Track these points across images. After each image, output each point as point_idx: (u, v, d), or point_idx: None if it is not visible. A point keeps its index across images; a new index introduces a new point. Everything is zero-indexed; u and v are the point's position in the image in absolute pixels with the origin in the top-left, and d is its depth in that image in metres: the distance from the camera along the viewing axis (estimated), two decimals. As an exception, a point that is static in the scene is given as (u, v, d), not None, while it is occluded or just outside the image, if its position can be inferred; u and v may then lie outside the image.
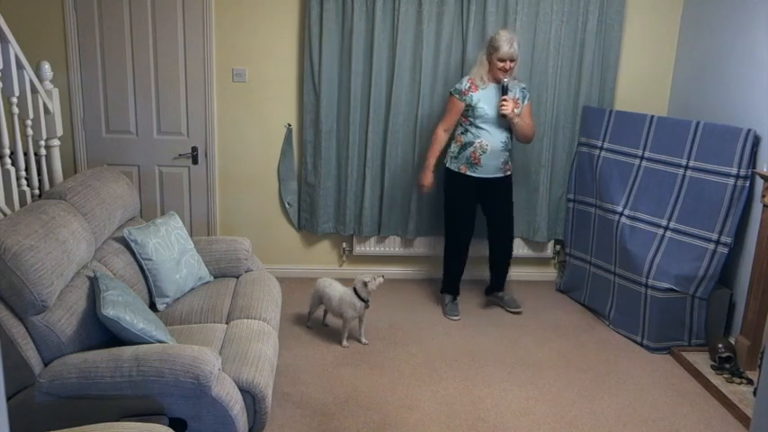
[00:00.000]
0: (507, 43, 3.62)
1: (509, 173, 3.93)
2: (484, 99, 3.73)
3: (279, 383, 3.13)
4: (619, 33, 4.25)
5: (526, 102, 3.85)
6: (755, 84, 3.56)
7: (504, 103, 3.67)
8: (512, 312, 4.04)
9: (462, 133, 3.83)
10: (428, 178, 3.90)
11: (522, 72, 4.20)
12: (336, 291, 3.57)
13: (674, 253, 3.64)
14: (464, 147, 3.80)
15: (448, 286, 4.11)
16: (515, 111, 3.73)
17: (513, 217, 4.04)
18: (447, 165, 3.90)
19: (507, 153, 3.85)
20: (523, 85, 3.90)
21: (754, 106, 3.56)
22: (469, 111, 3.77)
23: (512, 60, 3.66)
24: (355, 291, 3.49)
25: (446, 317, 3.98)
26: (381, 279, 3.53)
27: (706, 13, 4.06)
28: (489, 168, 3.80)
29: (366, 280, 3.47)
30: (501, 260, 4.08)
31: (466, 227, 3.97)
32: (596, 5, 4.16)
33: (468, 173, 3.82)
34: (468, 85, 3.76)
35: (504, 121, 3.75)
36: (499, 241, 4.03)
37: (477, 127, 3.76)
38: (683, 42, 4.30)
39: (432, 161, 3.88)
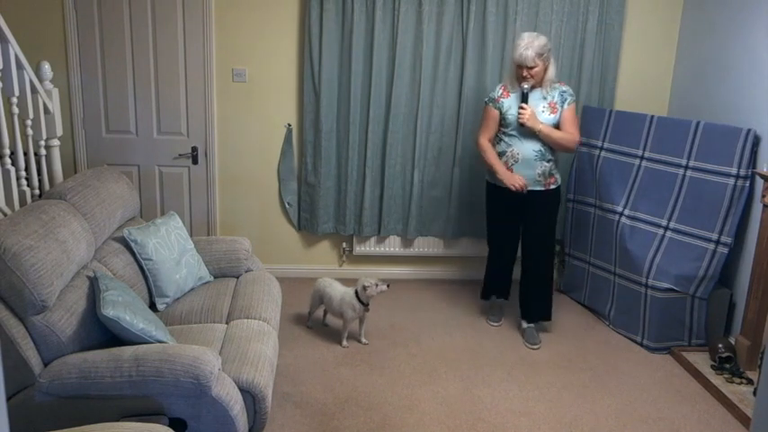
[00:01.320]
0: (522, 47, 3.37)
1: (552, 187, 3.58)
2: (514, 106, 3.51)
3: (279, 383, 3.13)
4: (619, 33, 4.25)
5: (566, 105, 3.51)
6: (755, 84, 3.56)
7: (522, 111, 3.42)
8: (527, 347, 3.67)
9: (497, 142, 3.61)
10: (514, 178, 3.48)
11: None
12: (337, 291, 3.57)
13: (674, 253, 3.64)
14: (498, 156, 3.58)
15: (486, 292, 3.98)
16: (552, 116, 3.49)
17: (552, 238, 3.70)
18: (486, 177, 3.73)
19: (546, 164, 3.52)
20: (564, 89, 3.55)
21: (754, 106, 3.56)
22: (501, 118, 3.56)
23: (529, 67, 3.39)
24: (356, 293, 3.49)
25: (487, 322, 3.91)
26: (385, 287, 3.48)
27: (706, 14, 4.06)
28: (525, 180, 3.49)
29: (366, 284, 3.47)
30: (531, 284, 3.76)
31: (505, 242, 3.76)
32: (596, 5, 4.16)
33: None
34: (500, 91, 3.58)
35: None
36: (530, 263, 3.74)
37: (509, 135, 3.53)
38: (683, 42, 4.30)
39: (498, 166, 3.53)
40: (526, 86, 3.44)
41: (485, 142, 3.62)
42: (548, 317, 3.80)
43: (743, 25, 3.69)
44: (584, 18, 4.19)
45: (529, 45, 3.36)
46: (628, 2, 4.24)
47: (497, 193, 3.63)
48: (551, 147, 3.53)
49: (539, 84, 3.50)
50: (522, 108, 3.43)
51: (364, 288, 3.46)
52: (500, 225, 3.75)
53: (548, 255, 3.71)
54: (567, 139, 3.50)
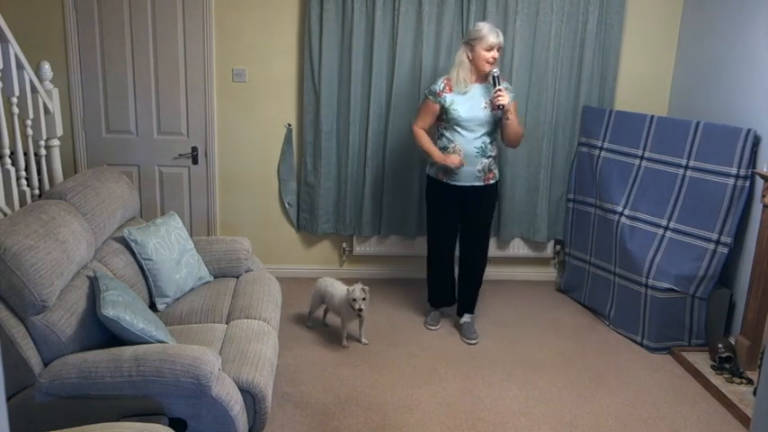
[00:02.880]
0: (492, 32, 3.36)
1: (492, 181, 3.59)
2: (458, 101, 3.46)
3: (279, 383, 3.13)
4: (619, 33, 4.25)
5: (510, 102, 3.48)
6: (755, 84, 3.56)
7: (500, 92, 3.34)
8: (466, 342, 3.70)
9: (438, 138, 3.59)
10: (450, 157, 3.47)
11: (522, 71, 4.20)
12: (338, 289, 3.58)
13: (674, 253, 3.64)
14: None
15: (435, 301, 3.93)
16: (494, 112, 3.46)
17: (488, 232, 3.73)
18: (426, 171, 3.70)
19: (487, 160, 3.52)
20: (506, 84, 3.51)
21: (754, 106, 3.56)
22: (443, 113, 3.50)
23: (498, 49, 3.41)
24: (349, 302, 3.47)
25: (425, 326, 3.85)
26: (361, 296, 3.41)
27: (706, 14, 4.06)
28: (465, 176, 3.51)
29: (351, 293, 3.43)
30: (467, 278, 3.80)
31: (445, 239, 3.72)
32: (596, 5, 4.16)
33: (445, 180, 3.55)
34: (443, 85, 3.51)
35: (481, 125, 3.47)
36: (468, 257, 3.74)
37: (451, 130, 3.50)
38: (683, 42, 4.30)
39: (432, 150, 3.53)
40: (496, 71, 3.40)
41: (418, 129, 3.60)
42: (473, 310, 3.87)
43: (743, 25, 3.69)
44: (584, 18, 4.19)
45: (495, 29, 3.40)
46: (628, 2, 4.24)
47: (438, 187, 3.61)
48: (509, 137, 3.54)
49: (486, 77, 3.47)
50: (499, 91, 3.36)
51: (351, 293, 3.44)
52: (438, 221, 3.69)
53: (484, 248, 3.76)
54: (521, 130, 3.58)
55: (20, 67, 3.04)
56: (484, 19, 4.08)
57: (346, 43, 4.11)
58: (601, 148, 4.08)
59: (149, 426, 1.94)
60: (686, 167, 3.68)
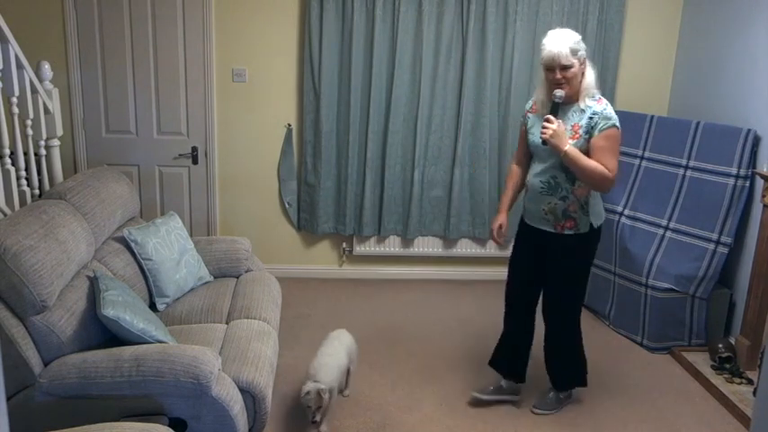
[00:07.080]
0: (550, 43, 2.59)
1: (569, 232, 2.75)
2: (537, 124, 2.76)
3: (279, 383, 3.12)
4: (619, 33, 4.25)
5: (597, 132, 2.62)
6: (755, 84, 3.56)
7: (546, 125, 2.61)
8: (532, 411, 3.03)
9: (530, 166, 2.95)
10: (497, 219, 2.94)
11: (522, 72, 4.19)
12: (325, 354, 2.81)
13: (674, 253, 3.64)
14: (523, 186, 2.97)
15: (495, 358, 3.14)
16: (571, 143, 2.62)
17: (568, 297, 2.89)
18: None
19: (558, 201, 2.72)
20: (597, 110, 2.64)
21: (754, 106, 3.56)
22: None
23: (562, 68, 2.58)
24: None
25: (472, 392, 3.08)
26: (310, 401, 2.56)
27: (706, 14, 4.06)
28: (532, 215, 2.85)
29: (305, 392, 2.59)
30: (548, 346, 3.01)
31: (517, 289, 2.98)
32: (596, 5, 4.16)
33: (524, 218, 2.94)
34: (531, 104, 2.87)
35: (550, 155, 2.70)
36: (547, 318, 2.95)
37: (531, 159, 2.88)
38: (683, 42, 4.30)
39: (504, 202, 2.96)
40: (559, 94, 2.62)
41: (513, 167, 2.99)
42: (563, 387, 3.06)
43: (743, 25, 3.69)
44: (584, 18, 4.19)
45: (558, 39, 2.59)
46: (628, 2, 4.24)
47: (521, 230, 2.97)
48: (579, 179, 2.68)
49: (574, 95, 2.67)
50: (547, 121, 2.62)
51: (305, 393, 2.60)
52: (514, 267, 3.00)
53: (562, 316, 2.92)
54: (598, 172, 2.58)
55: (20, 67, 3.04)
56: (484, 20, 4.08)
57: (346, 43, 4.11)
58: (601, 148, 4.07)
59: (149, 426, 1.94)
60: (686, 167, 3.68)
